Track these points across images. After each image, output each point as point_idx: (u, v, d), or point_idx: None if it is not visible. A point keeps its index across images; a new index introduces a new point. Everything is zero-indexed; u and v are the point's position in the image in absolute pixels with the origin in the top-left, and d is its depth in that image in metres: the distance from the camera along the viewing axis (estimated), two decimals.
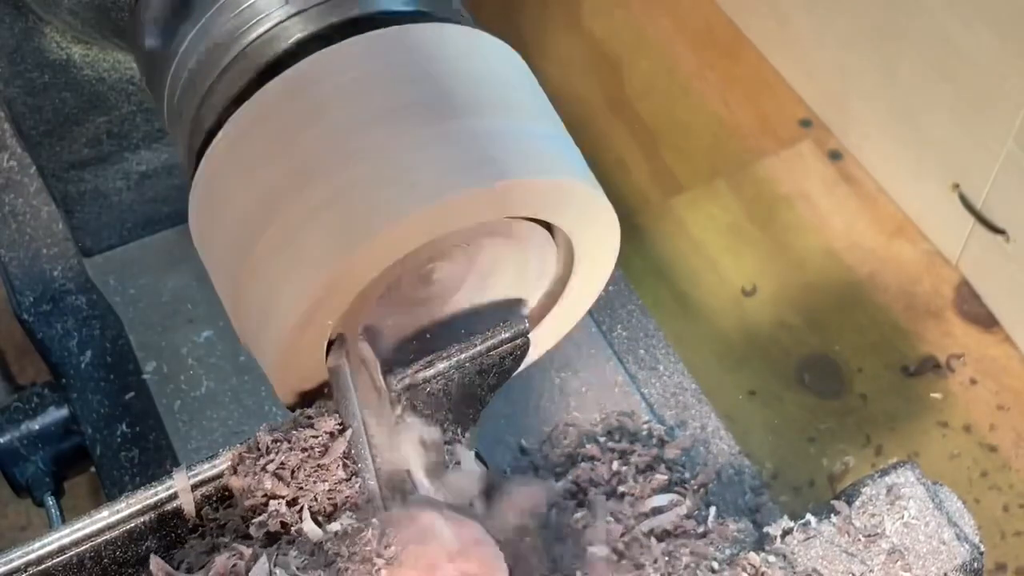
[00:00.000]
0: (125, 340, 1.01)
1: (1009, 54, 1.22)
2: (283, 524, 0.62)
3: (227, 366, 1.01)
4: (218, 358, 1.02)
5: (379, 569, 0.58)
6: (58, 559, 0.61)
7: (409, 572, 0.58)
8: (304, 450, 0.64)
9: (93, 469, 0.98)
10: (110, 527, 0.62)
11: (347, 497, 0.63)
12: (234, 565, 0.59)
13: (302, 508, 0.62)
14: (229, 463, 0.64)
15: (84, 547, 0.62)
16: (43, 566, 0.61)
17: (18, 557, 0.60)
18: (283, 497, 0.63)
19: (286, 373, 0.69)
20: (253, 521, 0.62)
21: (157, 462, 0.95)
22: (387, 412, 0.67)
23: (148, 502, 0.63)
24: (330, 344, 0.68)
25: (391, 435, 0.67)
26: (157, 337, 1.03)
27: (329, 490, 0.63)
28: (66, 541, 0.61)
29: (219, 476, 0.64)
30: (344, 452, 0.64)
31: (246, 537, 0.63)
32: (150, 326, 1.03)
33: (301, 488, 0.63)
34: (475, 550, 0.60)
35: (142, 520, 0.63)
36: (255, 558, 0.59)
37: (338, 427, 0.65)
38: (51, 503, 0.99)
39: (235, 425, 0.98)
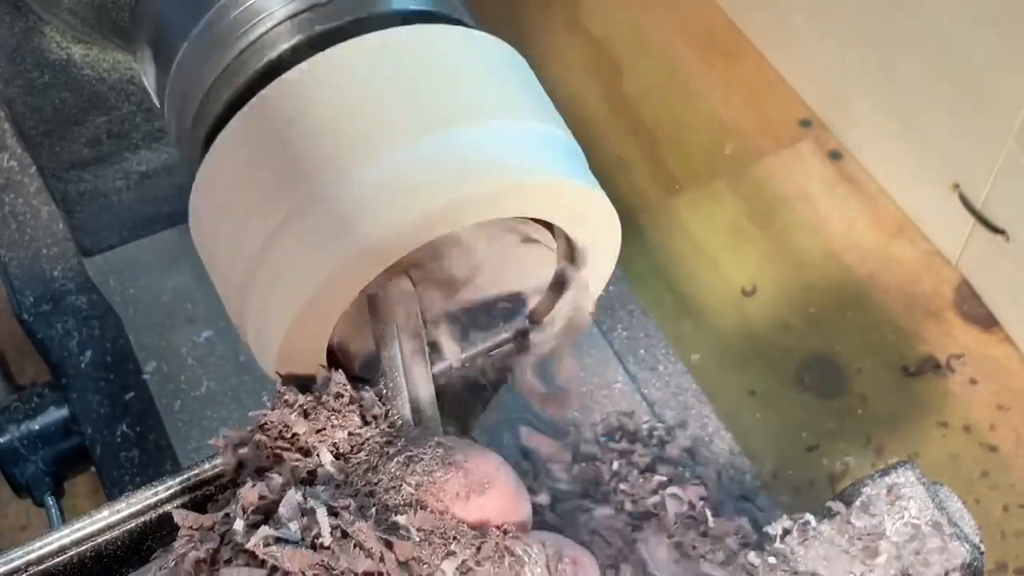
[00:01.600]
0: (125, 340, 1.02)
1: (1009, 54, 1.22)
2: (310, 473, 0.61)
3: (227, 366, 1.01)
4: (218, 358, 1.02)
5: (406, 497, 0.58)
6: (58, 559, 0.61)
7: (432, 501, 0.58)
8: (318, 399, 0.64)
9: (93, 469, 0.98)
10: (110, 527, 0.62)
11: (366, 440, 0.63)
12: (262, 496, 0.58)
13: (319, 453, 0.62)
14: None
15: (84, 547, 0.62)
16: (43, 566, 0.61)
17: (18, 557, 0.60)
18: (300, 437, 0.62)
19: (288, 370, 0.69)
20: (269, 473, 0.61)
21: (157, 462, 0.95)
22: (422, 347, 0.67)
23: (148, 502, 0.63)
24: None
25: (425, 368, 0.66)
26: (157, 337, 1.03)
27: (349, 435, 0.63)
28: (66, 541, 0.61)
29: (219, 476, 0.64)
30: (366, 401, 0.64)
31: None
32: (150, 326, 1.03)
33: (320, 431, 0.63)
34: (500, 479, 0.60)
35: (142, 520, 0.63)
36: (284, 489, 0.58)
37: (351, 384, 0.65)
38: (51, 503, 0.99)
39: (235, 425, 0.98)
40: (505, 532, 0.59)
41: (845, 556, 0.70)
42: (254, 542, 0.55)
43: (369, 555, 0.55)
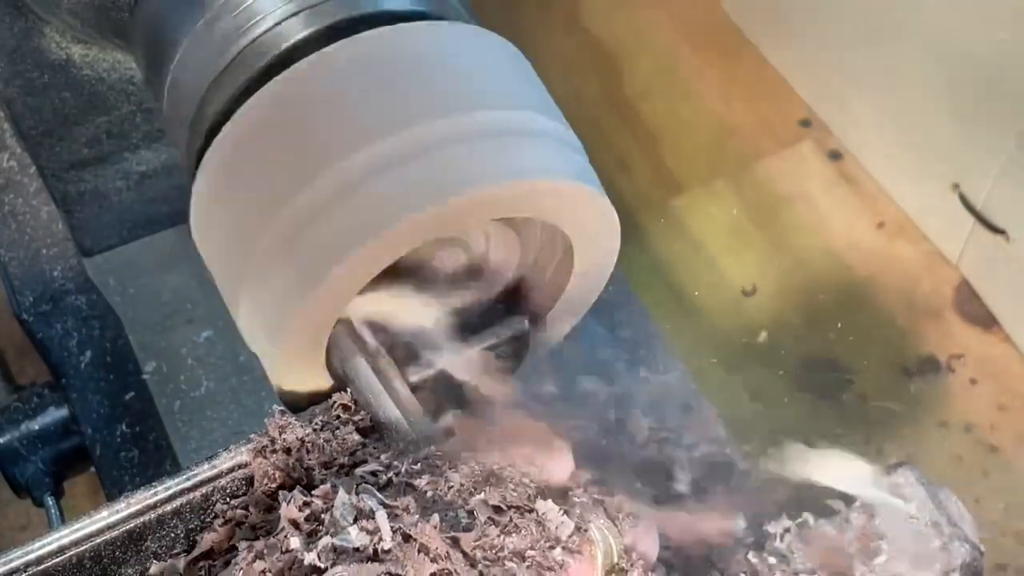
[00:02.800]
0: (125, 340, 1.02)
1: (1010, 54, 1.22)
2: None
3: (227, 366, 1.01)
4: (218, 358, 1.02)
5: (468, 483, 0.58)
6: (58, 559, 0.61)
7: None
8: (318, 426, 0.64)
9: (93, 469, 0.98)
10: (110, 527, 0.62)
11: (368, 454, 0.63)
12: (305, 503, 0.57)
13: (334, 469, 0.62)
14: (232, 462, 0.64)
15: (84, 547, 0.62)
16: (43, 566, 0.61)
17: (18, 557, 0.60)
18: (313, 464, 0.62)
19: (288, 374, 0.69)
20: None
21: (157, 462, 0.95)
22: (389, 362, 0.67)
23: (148, 502, 0.63)
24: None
25: (400, 379, 0.67)
26: (157, 337, 1.03)
27: (351, 453, 0.63)
28: (66, 541, 0.61)
29: (219, 476, 0.64)
30: (360, 420, 0.64)
31: (270, 510, 0.62)
32: (150, 326, 1.04)
33: (326, 463, 0.63)
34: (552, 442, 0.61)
35: (142, 520, 0.63)
36: (334, 490, 0.58)
37: (351, 402, 0.65)
38: (51, 503, 0.99)
39: (235, 425, 0.98)
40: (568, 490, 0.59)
41: (844, 556, 0.70)
42: (311, 559, 0.54)
43: (435, 558, 0.54)
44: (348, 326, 0.68)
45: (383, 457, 0.61)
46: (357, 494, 0.56)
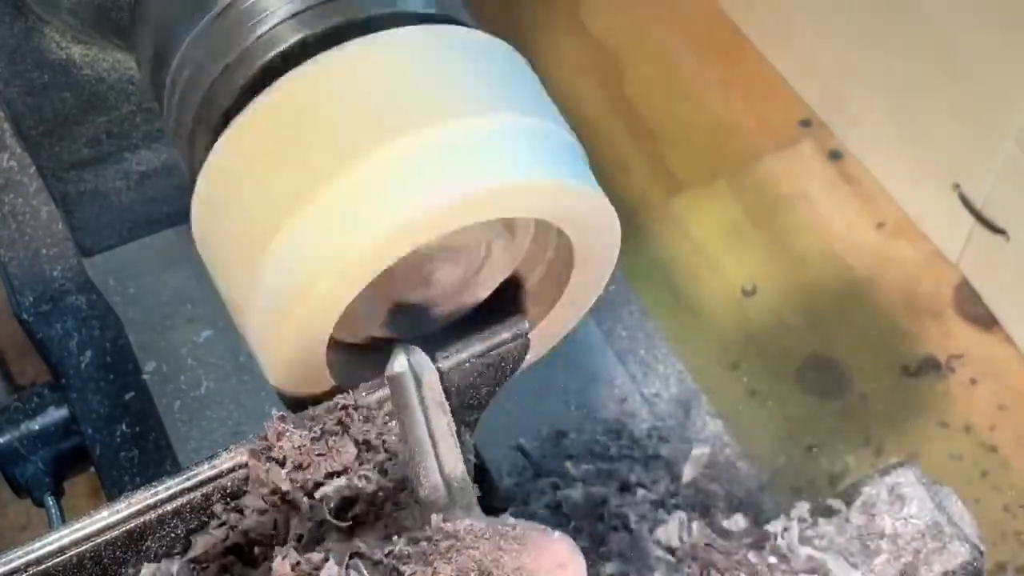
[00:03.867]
0: (125, 340, 1.01)
1: (1009, 54, 1.22)
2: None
3: (227, 366, 1.01)
4: (218, 358, 1.02)
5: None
6: (58, 559, 0.61)
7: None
8: (316, 434, 0.64)
9: (93, 469, 0.98)
10: (110, 527, 0.62)
11: (361, 489, 0.63)
12: (295, 564, 0.58)
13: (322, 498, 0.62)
14: (233, 462, 0.64)
15: (84, 547, 0.62)
16: (43, 566, 0.61)
17: (18, 557, 0.60)
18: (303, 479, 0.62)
19: (287, 375, 0.69)
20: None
21: (157, 462, 0.95)
22: (448, 419, 0.66)
23: (148, 502, 0.63)
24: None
25: (454, 441, 0.65)
26: (157, 337, 1.03)
27: (342, 472, 0.63)
28: (66, 541, 0.61)
29: (219, 476, 0.64)
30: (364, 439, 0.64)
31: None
32: (150, 326, 1.03)
33: (317, 482, 0.63)
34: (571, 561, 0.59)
35: (142, 520, 0.63)
36: (324, 559, 0.58)
37: (348, 408, 0.65)
38: (51, 503, 0.99)
39: (235, 425, 0.98)
40: None
41: (845, 556, 0.70)
42: None
43: None
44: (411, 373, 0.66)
45: (373, 539, 0.60)
46: (347, 568, 0.57)
